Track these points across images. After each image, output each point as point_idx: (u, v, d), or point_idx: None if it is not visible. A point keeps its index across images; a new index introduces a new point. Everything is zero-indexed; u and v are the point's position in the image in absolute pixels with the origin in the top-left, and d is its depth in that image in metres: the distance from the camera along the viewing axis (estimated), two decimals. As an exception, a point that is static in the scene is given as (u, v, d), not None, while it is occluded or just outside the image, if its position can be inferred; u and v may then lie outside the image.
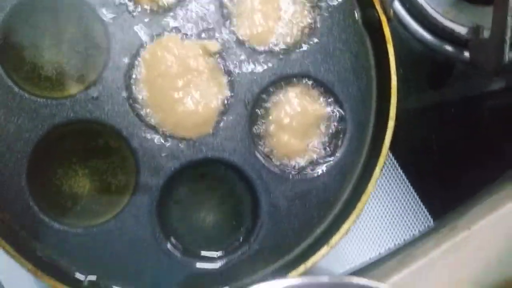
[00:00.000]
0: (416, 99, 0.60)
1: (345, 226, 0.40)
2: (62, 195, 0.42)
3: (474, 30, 0.55)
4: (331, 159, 0.43)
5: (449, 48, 0.57)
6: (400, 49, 0.51)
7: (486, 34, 0.53)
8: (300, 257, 0.41)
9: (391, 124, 0.41)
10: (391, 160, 0.60)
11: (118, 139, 0.42)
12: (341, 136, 0.43)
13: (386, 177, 0.60)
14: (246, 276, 0.41)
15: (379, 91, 0.43)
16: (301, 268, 0.40)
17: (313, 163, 0.43)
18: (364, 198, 0.41)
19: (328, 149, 0.44)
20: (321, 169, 0.43)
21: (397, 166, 0.60)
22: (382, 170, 0.41)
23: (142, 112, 0.42)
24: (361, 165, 0.43)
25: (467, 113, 0.62)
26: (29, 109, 0.41)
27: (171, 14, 0.42)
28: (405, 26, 0.57)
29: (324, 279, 0.36)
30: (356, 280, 0.36)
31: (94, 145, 0.42)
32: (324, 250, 0.40)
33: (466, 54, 0.57)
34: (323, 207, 0.42)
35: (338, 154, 0.43)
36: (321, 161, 0.43)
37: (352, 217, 0.40)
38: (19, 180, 0.40)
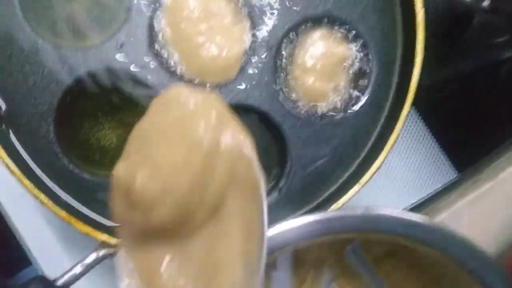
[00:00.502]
0: (437, 54, 0.60)
1: (375, 164, 0.40)
2: (90, 147, 0.42)
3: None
4: (357, 100, 0.43)
5: (468, -3, 0.57)
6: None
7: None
8: (330, 199, 0.41)
9: (418, 59, 0.40)
10: (414, 113, 0.59)
11: (144, 89, 0.42)
12: (366, 76, 0.43)
13: (408, 131, 0.60)
14: (277, 222, 0.41)
15: (404, 28, 0.42)
16: (333, 207, 0.40)
17: (339, 106, 0.43)
18: (393, 136, 0.40)
19: (354, 90, 0.43)
20: (347, 112, 0.43)
21: (419, 119, 0.60)
22: (410, 107, 0.41)
23: (167, 59, 0.41)
24: (389, 104, 0.42)
25: (492, 65, 0.61)
26: (55, 61, 0.40)
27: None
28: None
29: (359, 211, 0.36)
30: (392, 212, 0.36)
31: (119, 97, 0.42)
32: (355, 187, 0.39)
33: (485, 3, 0.56)
34: (351, 147, 0.42)
35: (364, 95, 0.43)
36: (347, 103, 0.43)
37: (383, 154, 0.40)
38: (48, 132, 0.40)
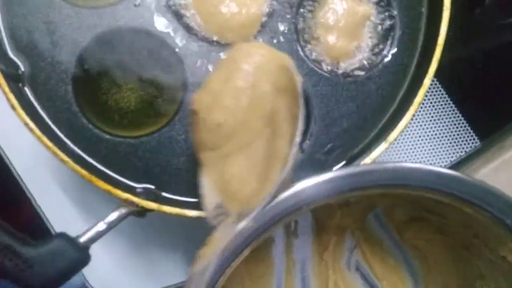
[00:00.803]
0: (460, 22, 0.58)
1: (402, 123, 0.39)
2: (109, 109, 0.41)
3: None
4: (382, 59, 0.41)
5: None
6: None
7: None
8: (355, 158, 0.40)
9: (446, 14, 0.39)
10: (435, 83, 0.58)
11: (162, 48, 0.41)
12: (391, 35, 0.42)
13: (430, 100, 0.58)
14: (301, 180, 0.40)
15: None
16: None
17: (363, 65, 0.42)
18: (421, 92, 0.39)
19: (378, 49, 0.42)
20: (371, 70, 0.41)
21: (441, 88, 0.58)
22: (437, 64, 0.40)
23: (186, 17, 0.40)
24: (415, 62, 0.41)
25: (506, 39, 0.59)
26: (72, 20, 0.40)
27: None
28: None
29: (389, 165, 0.34)
30: (422, 166, 0.35)
31: (137, 57, 0.41)
32: (382, 146, 0.38)
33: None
34: (377, 107, 0.41)
35: (389, 54, 0.41)
36: (372, 62, 0.42)
37: (410, 112, 0.39)
38: (66, 92, 0.40)
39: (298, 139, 0.33)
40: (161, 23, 0.40)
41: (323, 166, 0.41)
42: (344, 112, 0.41)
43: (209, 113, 0.35)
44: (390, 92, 0.41)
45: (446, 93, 0.58)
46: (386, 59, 0.42)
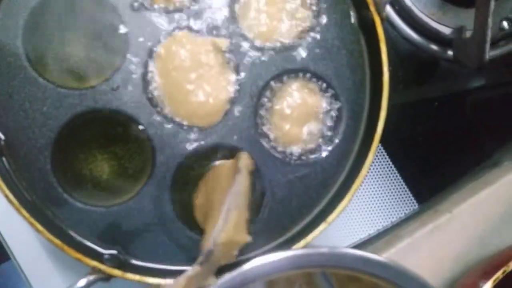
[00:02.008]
0: (404, 94, 0.66)
1: (341, 205, 0.45)
2: (83, 178, 0.45)
3: (458, 30, 0.60)
4: (328, 146, 0.48)
5: (434, 47, 0.62)
6: (389, 47, 0.56)
7: (468, 34, 0.58)
8: (301, 233, 0.46)
9: (383, 114, 0.46)
10: (380, 149, 0.65)
11: (136, 127, 0.45)
12: (338, 125, 0.48)
13: (375, 165, 0.65)
14: (250, 252, 0.46)
15: (372, 85, 0.47)
16: (302, 243, 0.44)
17: (312, 150, 0.48)
18: (358, 180, 0.45)
19: (326, 137, 0.48)
20: (319, 155, 0.48)
21: (385, 154, 0.65)
22: (374, 155, 0.46)
23: (158, 103, 0.45)
24: (356, 151, 0.48)
25: (450, 107, 0.67)
26: (53, 99, 0.44)
27: (185, 12, 0.46)
28: (394, 26, 0.62)
29: (324, 250, 0.40)
30: (353, 251, 0.41)
31: (113, 133, 0.46)
32: (322, 226, 0.44)
33: (450, 52, 0.62)
34: (321, 188, 0.47)
35: (335, 141, 0.48)
36: (320, 147, 0.48)
37: (348, 197, 0.45)
38: (44, 164, 0.44)
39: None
40: (136, 106, 0.45)
41: (273, 238, 0.46)
42: (294, 191, 0.47)
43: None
44: (333, 175, 0.48)
45: (390, 158, 0.65)
46: (332, 146, 0.48)
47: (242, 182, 0.42)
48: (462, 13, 0.61)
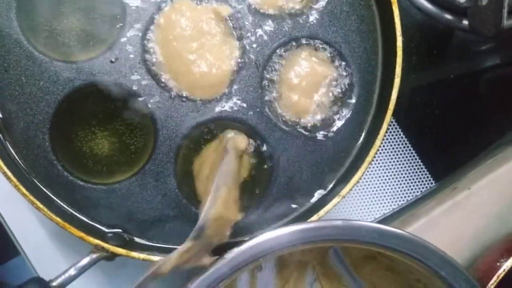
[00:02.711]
0: (417, 68, 0.63)
1: (354, 178, 0.42)
2: (83, 155, 0.44)
3: (473, -3, 0.57)
4: (340, 117, 0.45)
5: (448, 16, 0.59)
6: (401, 17, 0.53)
7: (484, 1, 0.55)
8: (313, 208, 0.44)
9: (397, 81, 0.43)
10: (394, 125, 0.62)
11: (136, 101, 0.43)
12: (349, 95, 0.45)
13: (389, 142, 0.63)
14: (261, 228, 0.44)
15: (384, 52, 0.45)
16: (314, 217, 0.42)
17: (323, 121, 0.45)
18: (372, 151, 0.43)
19: (337, 107, 0.46)
20: (330, 127, 0.45)
21: (399, 131, 0.63)
22: (388, 124, 0.44)
23: (159, 74, 0.43)
24: (369, 121, 0.45)
25: (466, 85, 0.64)
26: (50, 73, 0.42)
27: (184, -21, 0.44)
28: (407, -4, 0.59)
29: (338, 222, 0.38)
30: (368, 224, 0.39)
31: (112, 108, 0.44)
32: (335, 200, 0.42)
33: (465, 22, 0.59)
34: (333, 161, 0.45)
35: (346, 112, 0.45)
36: (331, 119, 0.45)
37: (361, 169, 0.43)
38: (43, 141, 0.42)
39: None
40: (136, 79, 0.43)
41: (283, 215, 0.44)
42: (304, 165, 0.45)
43: None
44: (344, 149, 0.45)
45: (404, 135, 0.63)
46: (344, 118, 0.45)
47: (230, 162, 0.41)
48: (477, -20, 0.58)
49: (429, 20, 0.60)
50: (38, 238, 0.48)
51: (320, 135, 0.45)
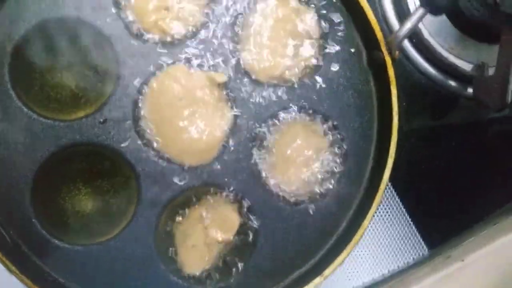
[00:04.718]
0: (417, 129, 0.61)
1: (339, 259, 0.41)
2: (64, 212, 0.43)
3: (479, 67, 0.55)
4: (329, 191, 0.44)
5: (453, 83, 0.58)
6: (404, 81, 0.52)
7: (490, 71, 0.54)
8: (294, 285, 0.42)
9: (390, 162, 0.42)
10: (389, 188, 0.61)
11: (123, 163, 0.43)
12: (340, 170, 0.44)
13: (383, 204, 0.61)
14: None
15: (380, 129, 0.44)
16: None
17: (312, 195, 0.44)
18: (359, 232, 0.41)
19: (327, 182, 0.44)
20: (319, 201, 0.44)
21: (394, 193, 0.61)
22: (378, 206, 0.42)
23: (148, 138, 0.43)
24: (358, 200, 0.44)
25: (466, 145, 0.62)
26: (37, 130, 0.42)
27: (181, 45, 0.43)
28: (410, 59, 0.58)
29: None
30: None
31: (99, 167, 0.43)
32: (317, 280, 0.40)
33: (470, 90, 0.58)
34: (319, 238, 0.43)
35: (336, 187, 0.44)
36: (320, 193, 0.44)
37: (347, 250, 0.41)
38: (23, 197, 0.41)
39: None
40: (124, 141, 0.42)
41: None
42: (289, 239, 0.43)
43: None
44: (333, 225, 0.44)
45: (399, 199, 0.61)
46: (333, 192, 0.44)
47: None
48: (483, 49, 0.57)
49: (433, 85, 0.59)
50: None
51: (308, 208, 0.44)
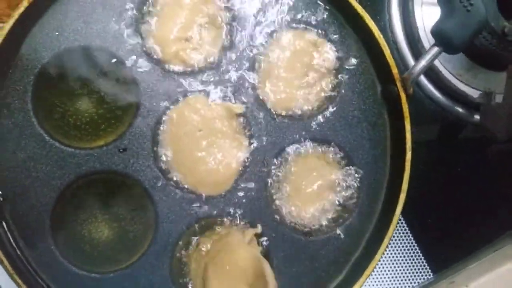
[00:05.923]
0: (426, 158, 0.62)
1: (352, 292, 0.42)
2: (81, 239, 0.43)
3: (486, 94, 0.56)
4: (342, 223, 0.45)
5: (460, 110, 0.59)
6: (414, 107, 0.53)
7: (498, 99, 0.54)
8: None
9: (402, 197, 0.43)
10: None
11: (141, 191, 0.43)
12: (353, 201, 0.45)
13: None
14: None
15: (393, 162, 0.45)
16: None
17: (325, 226, 0.45)
18: (372, 265, 0.42)
19: (340, 213, 0.45)
20: (332, 233, 0.45)
21: (401, 219, 0.62)
22: (390, 239, 0.43)
23: (166, 168, 0.43)
24: (371, 231, 0.44)
25: (470, 172, 0.63)
26: (58, 158, 0.42)
27: (200, 76, 0.44)
28: (420, 86, 0.59)
29: None
30: None
31: (116, 194, 0.44)
32: (330, 314, 0.41)
33: (477, 117, 0.58)
34: (332, 268, 0.44)
35: (349, 219, 0.45)
36: (333, 224, 0.45)
37: (360, 281, 0.42)
38: (43, 223, 0.42)
39: None
40: (142, 170, 0.43)
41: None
42: (302, 269, 0.44)
43: None
44: (345, 256, 0.44)
45: (406, 225, 0.62)
46: (347, 223, 0.45)
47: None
48: (492, 77, 0.58)
49: (441, 111, 0.60)
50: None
51: (321, 240, 0.44)
